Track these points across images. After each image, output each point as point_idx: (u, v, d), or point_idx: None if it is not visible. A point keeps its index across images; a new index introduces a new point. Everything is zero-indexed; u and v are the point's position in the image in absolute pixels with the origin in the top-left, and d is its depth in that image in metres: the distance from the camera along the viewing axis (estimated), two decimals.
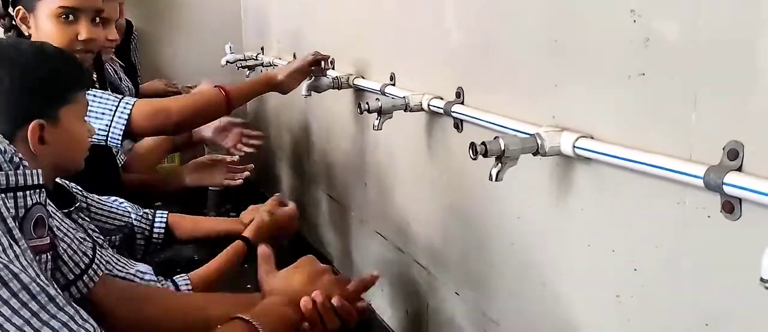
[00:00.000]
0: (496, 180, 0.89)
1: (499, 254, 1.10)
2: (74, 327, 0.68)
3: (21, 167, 0.77)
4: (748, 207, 0.66)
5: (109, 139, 1.41)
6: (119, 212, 1.42)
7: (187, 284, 1.25)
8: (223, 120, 1.97)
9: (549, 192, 0.96)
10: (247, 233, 1.43)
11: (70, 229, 1.01)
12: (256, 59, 2.43)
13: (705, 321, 0.72)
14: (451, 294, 1.27)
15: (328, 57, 1.68)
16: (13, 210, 0.73)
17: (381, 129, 1.31)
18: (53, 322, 0.66)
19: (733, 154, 0.66)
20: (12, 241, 0.68)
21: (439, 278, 1.31)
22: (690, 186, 0.70)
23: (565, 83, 0.91)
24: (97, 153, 1.22)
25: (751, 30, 0.64)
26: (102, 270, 1.02)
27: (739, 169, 0.66)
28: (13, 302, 0.64)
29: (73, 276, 0.95)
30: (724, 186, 0.65)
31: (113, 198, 1.44)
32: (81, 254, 0.98)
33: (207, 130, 2.02)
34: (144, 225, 1.46)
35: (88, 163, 1.12)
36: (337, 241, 1.93)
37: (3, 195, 0.73)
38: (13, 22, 1.43)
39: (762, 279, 0.51)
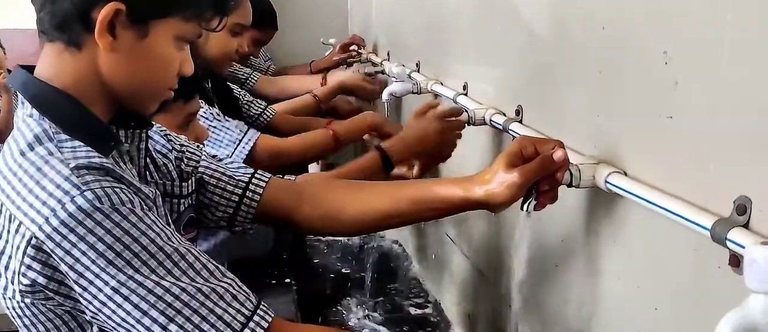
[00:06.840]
0: (527, 213, 0.91)
1: (544, 273, 1.12)
2: (234, 291, 0.78)
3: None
4: None
5: None
6: None
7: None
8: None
9: (587, 220, 0.97)
10: (385, 144, 1.32)
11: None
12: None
13: None
14: (504, 303, 1.30)
15: None
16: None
17: None
18: (221, 285, 0.78)
19: (742, 209, 0.66)
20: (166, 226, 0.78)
21: (495, 286, 1.35)
22: (703, 235, 0.70)
23: (606, 116, 0.91)
24: None
25: None
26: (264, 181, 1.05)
27: (746, 225, 0.65)
28: (190, 272, 0.76)
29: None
30: (727, 242, 0.65)
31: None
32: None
33: None
34: None
35: None
36: (412, 236, 1.98)
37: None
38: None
39: None
